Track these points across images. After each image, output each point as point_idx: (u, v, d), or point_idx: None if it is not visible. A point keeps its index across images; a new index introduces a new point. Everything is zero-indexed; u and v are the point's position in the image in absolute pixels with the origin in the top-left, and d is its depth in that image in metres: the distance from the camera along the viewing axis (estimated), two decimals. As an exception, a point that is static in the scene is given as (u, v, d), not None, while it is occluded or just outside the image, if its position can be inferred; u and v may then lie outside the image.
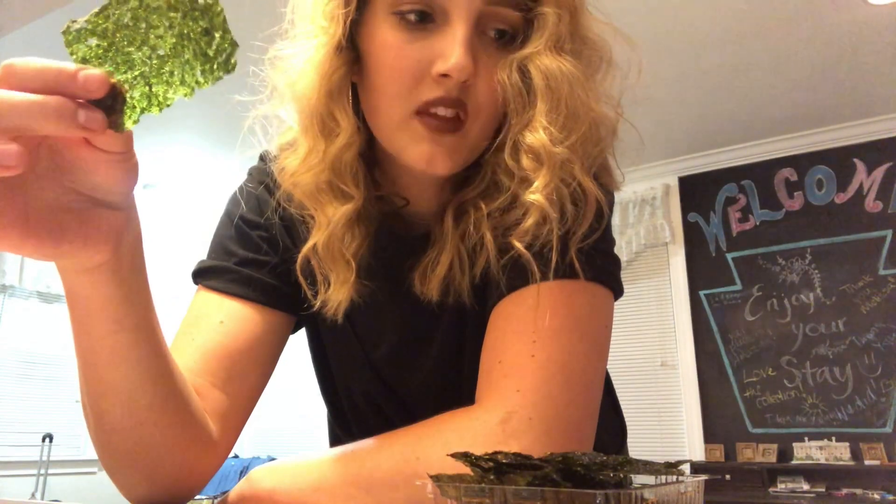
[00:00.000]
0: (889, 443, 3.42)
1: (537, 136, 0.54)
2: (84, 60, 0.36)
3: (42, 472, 4.89)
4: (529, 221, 0.54)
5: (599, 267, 0.59)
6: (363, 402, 0.76)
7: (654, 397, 4.07)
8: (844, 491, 3.35)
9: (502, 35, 0.57)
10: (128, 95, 0.36)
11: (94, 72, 0.35)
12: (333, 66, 0.57)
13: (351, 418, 0.78)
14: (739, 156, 4.12)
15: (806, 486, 3.44)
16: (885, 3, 2.78)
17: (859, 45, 3.08)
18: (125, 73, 0.36)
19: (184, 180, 4.58)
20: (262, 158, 0.71)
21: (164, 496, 0.59)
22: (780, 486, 3.49)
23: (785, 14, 2.87)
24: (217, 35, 0.38)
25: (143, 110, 0.37)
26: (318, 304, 0.63)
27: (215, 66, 0.38)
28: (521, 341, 0.55)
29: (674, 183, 4.32)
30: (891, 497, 3.21)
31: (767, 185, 4.02)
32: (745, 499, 3.44)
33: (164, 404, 0.54)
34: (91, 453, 5.46)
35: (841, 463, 3.44)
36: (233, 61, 0.38)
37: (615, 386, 0.87)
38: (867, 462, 3.39)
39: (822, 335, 3.71)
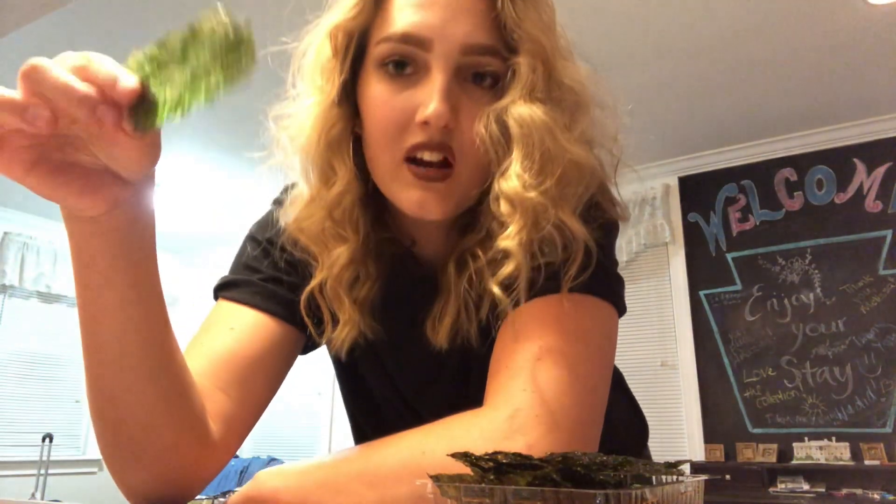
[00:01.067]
0: (889, 443, 3.42)
1: (510, 182, 0.57)
2: (143, 89, 0.41)
3: (42, 472, 4.88)
4: (508, 268, 0.57)
5: (604, 285, 0.62)
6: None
7: (654, 397, 4.07)
8: (844, 491, 3.35)
9: (482, 79, 0.60)
10: (160, 103, 0.41)
11: (128, 86, 0.40)
12: (331, 120, 0.63)
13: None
14: (739, 156, 4.12)
15: (806, 486, 3.44)
16: (885, 2, 2.78)
17: (859, 45, 3.08)
18: (165, 90, 0.42)
19: (184, 180, 4.58)
20: (287, 190, 0.74)
21: (160, 491, 0.59)
22: (780, 486, 3.48)
23: (785, 14, 2.87)
24: (244, 60, 0.43)
25: (168, 116, 0.42)
26: (324, 340, 0.67)
27: (235, 82, 0.43)
28: (527, 348, 0.57)
29: (674, 183, 4.32)
30: (891, 497, 3.20)
31: (767, 185, 4.02)
32: (745, 499, 3.43)
33: (157, 375, 0.55)
34: (91, 453, 5.46)
35: (841, 463, 3.44)
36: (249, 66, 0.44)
37: None
38: (867, 462, 3.39)
39: (822, 335, 3.71)
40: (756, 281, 3.94)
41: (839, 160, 3.84)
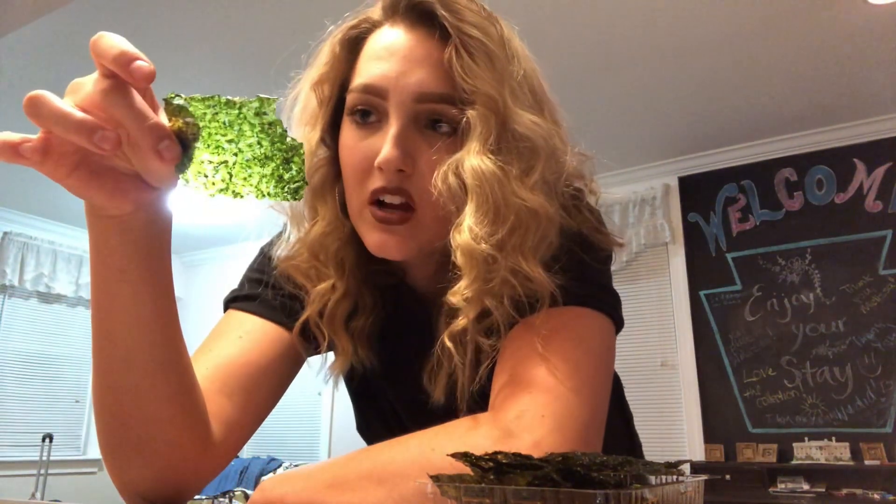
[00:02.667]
0: (889, 443, 3.42)
1: (462, 235, 0.58)
2: (178, 130, 0.44)
3: (42, 472, 4.88)
4: (459, 323, 0.59)
5: (602, 300, 0.64)
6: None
7: (654, 397, 4.07)
8: (844, 491, 3.35)
9: (439, 126, 0.63)
10: (204, 165, 0.45)
11: (160, 130, 0.43)
12: (315, 166, 0.68)
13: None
14: (739, 156, 4.12)
15: (806, 486, 3.44)
16: (885, 2, 2.78)
17: (859, 44, 3.08)
18: (214, 153, 0.45)
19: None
20: None
21: (158, 489, 0.59)
22: (780, 486, 3.49)
23: (785, 14, 2.87)
24: (294, 168, 0.46)
25: (220, 191, 0.45)
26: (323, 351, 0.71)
27: (285, 190, 0.46)
28: (529, 355, 0.58)
29: (674, 183, 4.32)
30: (891, 497, 3.20)
31: (767, 185, 4.02)
32: (745, 499, 3.43)
33: (164, 371, 0.56)
34: (91, 453, 5.46)
35: (841, 463, 3.44)
36: (300, 194, 0.47)
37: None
38: (867, 462, 3.39)
39: (822, 335, 3.71)
40: (756, 281, 3.94)
41: (839, 160, 3.84)
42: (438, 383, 0.65)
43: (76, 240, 5.57)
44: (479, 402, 0.63)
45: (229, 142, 0.45)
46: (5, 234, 5.16)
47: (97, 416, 0.58)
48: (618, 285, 0.69)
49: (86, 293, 5.58)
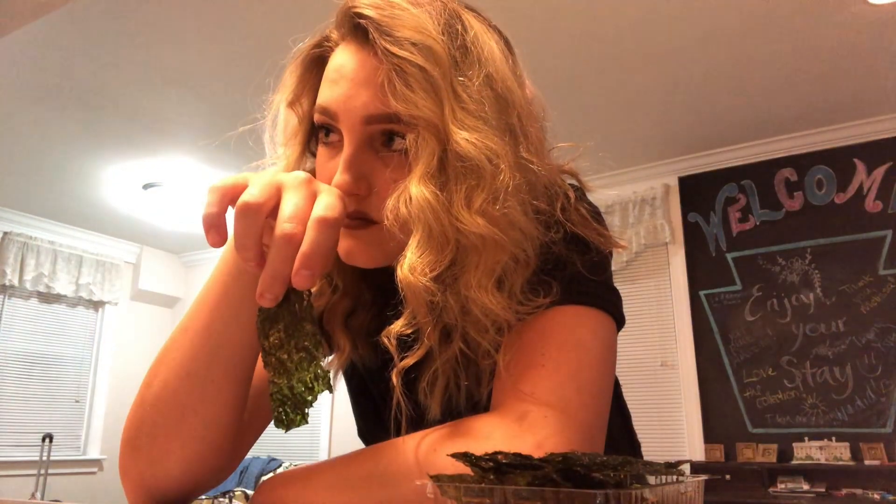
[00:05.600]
0: (889, 443, 3.42)
1: (401, 269, 0.56)
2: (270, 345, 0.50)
3: (42, 472, 4.89)
4: (407, 360, 0.58)
5: (602, 297, 0.63)
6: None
7: (654, 397, 4.07)
8: (844, 491, 3.35)
9: (392, 142, 0.60)
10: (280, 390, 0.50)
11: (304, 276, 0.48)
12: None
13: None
14: (739, 156, 4.12)
15: (806, 486, 3.44)
16: (885, 2, 2.78)
17: (859, 44, 3.08)
18: (281, 376, 0.50)
19: (184, 180, 4.59)
20: None
21: (178, 484, 0.59)
22: (780, 486, 3.49)
23: (785, 14, 2.87)
24: (320, 362, 0.50)
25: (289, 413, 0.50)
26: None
27: (321, 383, 0.50)
28: (530, 355, 0.58)
29: (674, 183, 4.32)
30: (891, 497, 3.20)
31: (767, 185, 4.02)
32: (745, 499, 3.43)
33: (237, 373, 0.60)
34: (91, 453, 5.46)
35: (841, 463, 3.44)
36: (332, 384, 0.52)
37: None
38: (867, 462, 3.39)
39: (822, 335, 3.71)
40: (756, 281, 3.94)
41: (839, 160, 3.84)
42: (434, 401, 0.64)
43: (76, 240, 5.57)
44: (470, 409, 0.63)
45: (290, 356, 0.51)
46: (5, 234, 5.16)
47: (150, 402, 0.59)
48: (618, 285, 0.68)
49: (85, 293, 5.59)
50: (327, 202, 0.49)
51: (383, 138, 0.61)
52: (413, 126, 0.58)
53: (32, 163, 4.35)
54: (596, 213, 0.70)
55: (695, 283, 4.11)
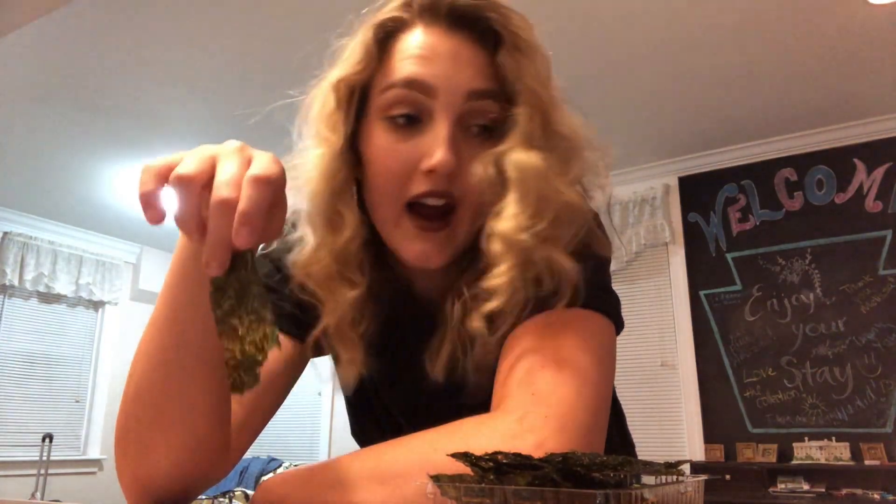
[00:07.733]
0: (889, 443, 3.42)
1: (506, 223, 0.59)
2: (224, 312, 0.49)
3: (42, 472, 4.89)
4: (492, 304, 0.60)
5: (602, 300, 0.64)
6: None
7: (654, 397, 4.07)
8: (844, 491, 3.35)
9: (483, 129, 0.64)
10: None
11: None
12: (336, 169, 0.65)
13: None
14: (739, 156, 4.12)
15: (806, 486, 3.44)
16: (885, 2, 2.78)
17: (859, 45, 3.08)
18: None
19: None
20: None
21: (170, 483, 0.59)
22: (780, 486, 3.49)
23: (785, 14, 2.87)
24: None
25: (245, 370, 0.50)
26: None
27: (270, 341, 0.49)
28: (531, 356, 0.59)
29: (674, 183, 4.32)
30: (891, 497, 3.20)
31: (767, 185, 4.02)
32: (745, 499, 3.43)
33: (212, 363, 0.58)
34: (91, 453, 5.46)
35: (841, 463, 3.44)
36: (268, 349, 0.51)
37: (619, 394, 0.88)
38: (867, 462, 3.39)
39: (822, 335, 3.71)
40: (756, 281, 3.94)
41: (839, 160, 3.84)
42: (439, 363, 0.66)
43: (76, 240, 5.57)
44: (477, 377, 0.64)
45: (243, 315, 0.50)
46: (5, 234, 5.16)
47: (131, 398, 0.58)
48: (618, 285, 0.69)
49: (85, 293, 5.59)
50: (262, 163, 0.47)
51: (471, 122, 0.63)
52: (513, 102, 0.62)
53: (32, 163, 4.35)
54: (595, 217, 0.71)
55: (695, 283, 4.11)
